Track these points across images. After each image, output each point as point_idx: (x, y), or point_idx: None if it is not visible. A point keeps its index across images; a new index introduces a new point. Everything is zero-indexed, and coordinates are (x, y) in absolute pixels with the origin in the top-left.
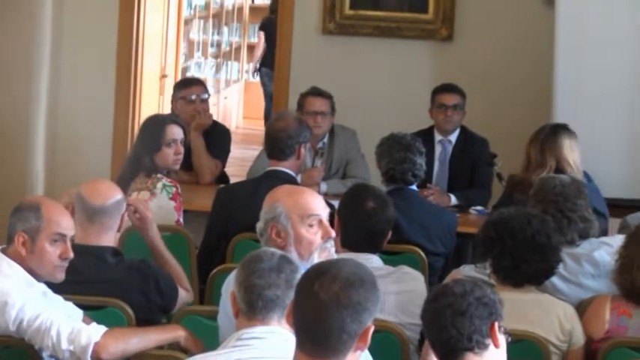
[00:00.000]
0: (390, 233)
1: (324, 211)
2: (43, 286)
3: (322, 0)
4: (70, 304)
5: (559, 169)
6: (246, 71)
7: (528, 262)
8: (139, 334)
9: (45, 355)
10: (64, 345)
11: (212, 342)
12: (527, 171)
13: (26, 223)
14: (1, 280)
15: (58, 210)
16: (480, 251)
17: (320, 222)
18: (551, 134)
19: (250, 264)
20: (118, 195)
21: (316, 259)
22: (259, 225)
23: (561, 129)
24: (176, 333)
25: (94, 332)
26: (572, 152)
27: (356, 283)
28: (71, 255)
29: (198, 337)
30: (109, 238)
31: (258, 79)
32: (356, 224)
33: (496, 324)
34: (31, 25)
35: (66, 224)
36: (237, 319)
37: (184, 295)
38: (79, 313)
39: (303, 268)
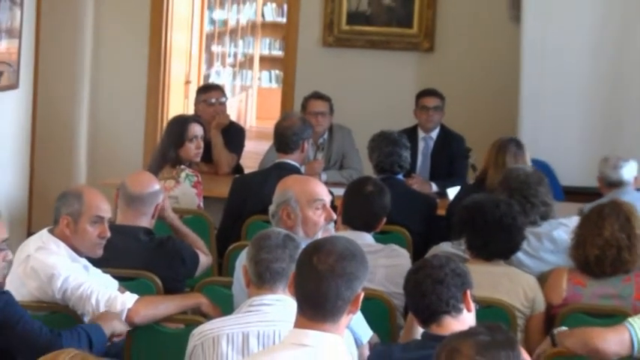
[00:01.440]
0: (384, 220)
1: (327, 197)
2: (84, 261)
3: (323, 17)
4: (107, 276)
5: None
6: (259, 78)
7: (496, 240)
8: (166, 302)
9: (86, 319)
10: (103, 309)
11: (228, 308)
12: (487, 171)
13: (70, 207)
14: (49, 256)
15: (97, 196)
16: (456, 231)
17: (324, 206)
18: (500, 150)
19: (259, 241)
20: (155, 187)
21: (320, 237)
22: (272, 207)
23: (509, 144)
24: (197, 300)
25: (127, 299)
26: (516, 163)
27: (348, 257)
28: (108, 234)
29: (216, 303)
30: (144, 221)
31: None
32: (356, 205)
33: (468, 291)
34: (75, 38)
35: (104, 208)
36: (248, 288)
37: (204, 259)
38: (115, 283)
39: (305, 244)
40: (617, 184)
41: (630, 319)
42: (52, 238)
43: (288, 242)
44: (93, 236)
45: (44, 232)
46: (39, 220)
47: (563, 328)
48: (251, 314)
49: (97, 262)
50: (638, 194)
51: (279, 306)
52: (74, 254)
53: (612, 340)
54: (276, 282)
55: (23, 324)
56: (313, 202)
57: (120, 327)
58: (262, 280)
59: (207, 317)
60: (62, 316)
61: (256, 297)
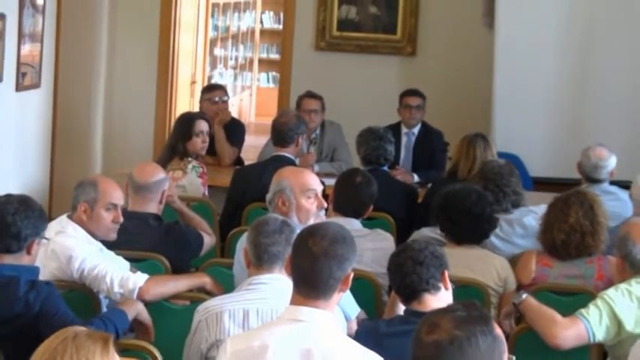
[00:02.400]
0: (371, 207)
1: (319, 187)
2: (99, 244)
3: (315, 24)
4: (120, 258)
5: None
6: (257, 79)
7: (465, 227)
8: (174, 281)
9: (101, 297)
10: (116, 289)
11: (229, 286)
12: (458, 164)
13: (87, 195)
14: (67, 239)
15: (111, 185)
16: (433, 217)
17: (316, 195)
18: (469, 145)
19: (258, 227)
20: (160, 175)
21: (312, 223)
22: (269, 196)
23: (477, 139)
24: (202, 279)
25: (139, 279)
26: (485, 155)
27: (339, 240)
28: (121, 219)
29: (219, 282)
30: (152, 207)
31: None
32: (345, 194)
33: (446, 272)
34: (92, 42)
35: (117, 196)
36: (248, 269)
37: (208, 239)
38: (127, 264)
39: (299, 229)
40: (596, 181)
41: (584, 311)
42: (71, 223)
43: (284, 227)
44: (107, 221)
45: (63, 217)
46: (59, 206)
47: (524, 295)
48: (250, 292)
49: (111, 245)
50: (614, 188)
51: (276, 284)
52: (90, 238)
53: (569, 337)
54: (273, 263)
55: (61, 314)
56: (306, 191)
57: (141, 311)
58: (261, 261)
59: (211, 295)
60: (80, 294)
61: (255, 276)
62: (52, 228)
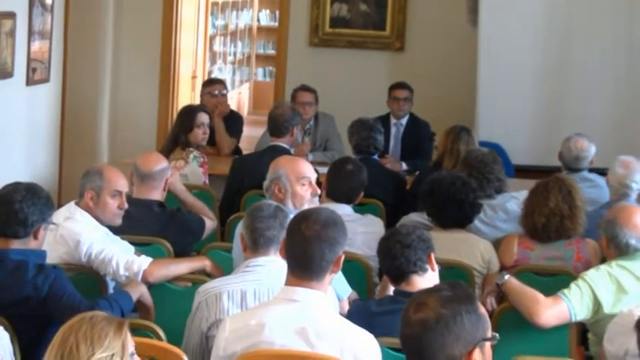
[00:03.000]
0: (362, 194)
1: (312, 175)
2: (105, 229)
3: (309, 21)
4: (125, 242)
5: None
6: (254, 73)
7: (449, 212)
8: (176, 263)
9: (108, 279)
10: (122, 271)
11: (228, 269)
12: (443, 156)
13: (93, 183)
14: (75, 224)
15: (116, 173)
16: (421, 202)
17: (310, 182)
18: (455, 137)
19: (253, 212)
20: (163, 164)
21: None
22: (266, 183)
23: (461, 132)
24: (203, 262)
25: (143, 262)
26: (468, 145)
27: (331, 224)
28: (126, 206)
29: (219, 265)
30: (156, 195)
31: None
32: (338, 181)
33: (432, 254)
34: (98, 39)
35: (122, 183)
36: (245, 252)
37: (209, 223)
38: (132, 248)
39: (293, 215)
40: (576, 170)
41: (566, 292)
42: (78, 210)
43: (278, 213)
44: (113, 207)
45: (71, 204)
46: (67, 194)
47: (507, 276)
48: (248, 274)
49: (117, 230)
50: (592, 175)
51: (272, 266)
52: (97, 223)
53: (551, 315)
54: (268, 247)
55: (68, 296)
56: (301, 178)
57: (144, 293)
58: (257, 245)
59: (211, 277)
60: (87, 276)
61: (252, 259)
62: (61, 214)
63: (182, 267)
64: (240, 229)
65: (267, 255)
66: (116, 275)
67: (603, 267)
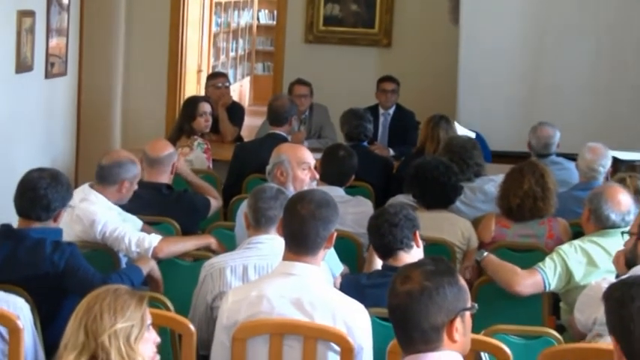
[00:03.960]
0: (352, 177)
1: (312, 161)
2: (118, 208)
3: (304, 20)
4: (134, 217)
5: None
6: (254, 68)
7: (432, 194)
8: (183, 241)
9: (120, 255)
10: (133, 248)
11: (231, 245)
12: (425, 142)
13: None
14: (90, 205)
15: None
16: (407, 185)
17: (310, 168)
18: (434, 125)
19: (257, 194)
20: (170, 150)
21: None
22: (268, 167)
23: (441, 121)
24: (208, 240)
25: (153, 239)
26: (447, 134)
27: (324, 204)
28: (136, 187)
29: (222, 242)
30: (164, 178)
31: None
32: (331, 165)
33: (417, 232)
34: (111, 36)
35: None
36: (248, 230)
37: (214, 202)
38: (140, 222)
39: None
40: (544, 155)
41: (541, 264)
42: (92, 192)
43: (279, 195)
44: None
45: (85, 186)
46: (83, 177)
47: (485, 253)
48: (249, 250)
49: (128, 211)
50: (560, 159)
51: (272, 243)
52: (110, 203)
53: (528, 284)
54: (269, 225)
55: (83, 270)
56: (302, 163)
57: (154, 268)
58: (259, 224)
59: (215, 253)
60: (101, 253)
61: (254, 237)
62: (76, 196)
63: (189, 244)
64: (242, 209)
65: (268, 233)
66: (128, 251)
67: (576, 242)
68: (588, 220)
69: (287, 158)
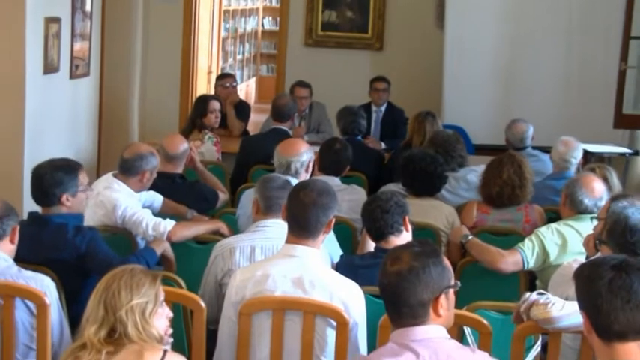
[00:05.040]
0: (348, 168)
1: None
2: (138, 195)
3: (304, 25)
4: (154, 193)
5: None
6: (259, 69)
7: (420, 183)
8: (196, 225)
9: (138, 238)
10: (150, 231)
11: (235, 229)
12: (413, 136)
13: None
14: (113, 192)
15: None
16: (397, 175)
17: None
18: (422, 121)
19: (267, 183)
20: (185, 146)
21: None
22: (295, 164)
23: (427, 116)
24: (217, 225)
25: (168, 224)
26: (432, 129)
27: (325, 193)
28: (155, 176)
29: (229, 226)
30: (178, 169)
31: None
32: (328, 157)
33: (407, 217)
34: (130, 40)
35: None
36: (256, 215)
37: (222, 196)
38: (160, 197)
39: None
40: (521, 148)
41: (521, 244)
42: (115, 180)
43: (286, 185)
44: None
45: (109, 175)
46: (105, 168)
47: (470, 236)
48: (257, 233)
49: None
50: (535, 151)
51: (277, 227)
52: (131, 191)
53: (510, 262)
54: (276, 212)
55: (103, 252)
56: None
57: (167, 249)
58: (270, 210)
59: (224, 236)
60: (120, 236)
61: (261, 221)
62: (101, 184)
63: (200, 228)
64: (247, 196)
65: (275, 218)
66: (145, 234)
67: (553, 225)
68: (564, 204)
69: (310, 158)
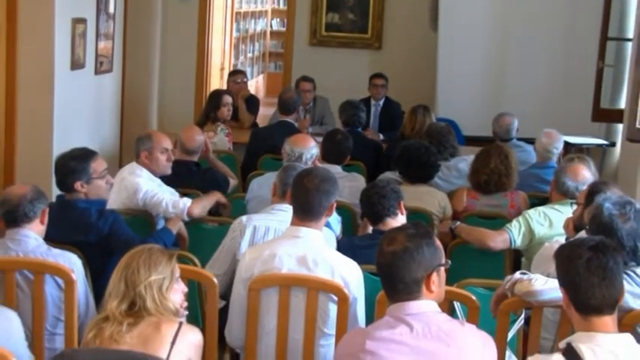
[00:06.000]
0: (348, 157)
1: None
2: (159, 180)
3: (309, 26)
4: (172, 190)
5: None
6: (268, 66)
7: (415, 171)
8: (203, 200)
9: (159, 218)
10: (170, 209)
11: (244, 212)
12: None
13: (145, 145)
14: (135, 177)
15: (161, 135)
16: (394, 163)
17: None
18: (417, 114)
19: (288, 170)
20: (201, 138)
21: None
22: (306, 155)
23: (422, 110)
24: (216, 195)
25: (186, 202)
26: (426, 121)
27: (327, 179)
28: (173, 158)
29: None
30: (194, 158)
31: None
32: (330, 147)
33: (401, 202)
34: (150, 39)
35: (167, 142)
36: (273, 197)
37: (232, 181)
38: (176, 193)
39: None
40: (507, 139)
41: (509, 225)
42: (137, 166)
43: None
44: (163, 161)
45: (133, 163)
46: (126, 157)
47: (458, 222)
48: (272, 214)
49: (165, 182)
50: (520, 142)
51: (290, 212)
52: (152, 176)
53: (498, 240)
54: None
55: (124, 234)
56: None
57: (181, 227)
58: (284, 194)
59: (224, 206)
60: (140, 218)
61: (277, 204)
62: (125, 170)
63: (208, 202)
64: (256, 182)
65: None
66: (166, 213)
67: (540, 208)
68: (553, 189)
69: (317, 152)
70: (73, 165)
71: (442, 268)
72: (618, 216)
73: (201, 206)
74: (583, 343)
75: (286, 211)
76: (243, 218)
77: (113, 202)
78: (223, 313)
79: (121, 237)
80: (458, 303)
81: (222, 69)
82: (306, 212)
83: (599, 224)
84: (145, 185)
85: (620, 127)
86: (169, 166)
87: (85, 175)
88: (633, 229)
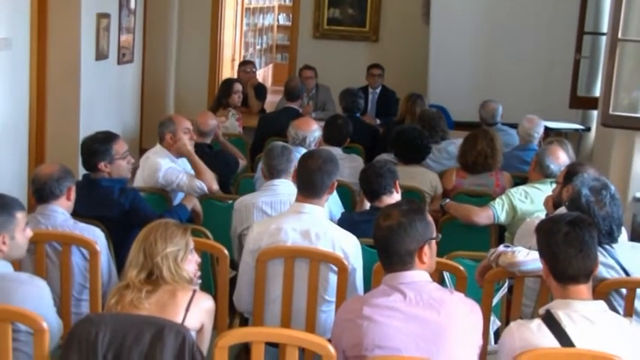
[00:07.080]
0: (348, 140)
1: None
2: (178, 161)
3: (313, 20)
4: (189, 168)
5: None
6: (275, 57)
7: (410, 152)
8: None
9: (173, 195)
10: (197, 184)
11: (252, 190)
12: (403, 114)
13: (169, 128)
14: (157, 158)
15: (182, 118)
16: (389, 146)
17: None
18: (411, 101)
19: (268, 153)
20: (214, 122)
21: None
22: (309, 138)
23: (415, 98)
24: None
25: (209, 176)
26: (420, 108)
27: (329, 160)
28: (195, 137)
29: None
30: (207, 140)
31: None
32: (331, 130)
33: (397, 181)
34: (167, 33)
35: (188, 123)
36: (264, 179)
37: (241, 162)
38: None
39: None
40: (492, 124)
41: (492, 202)
42: (161, 148)
43: (284, 151)
44: (186, 140)
45: (157, 145)
46: (147, 140)
47: (447, 200)
48: (267, 191)
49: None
50: (504, 127)
51: (283, 185)
52: (174, 158)
53: (483, 216)
54: (279, 175)
55: (143, 209)
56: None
57: (196, 203)
58: (271, 174)
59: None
60: (157, 196)
61: (269, 182)
62: (151, 151)
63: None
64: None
65: (281, 179)
66: (187, 188)
67: (522, 187)
68: (534, 169)
69: (319, 134)
70: (96, 147)
71: (433, 241)
72: (595, 202)
73: (214, 182)
74: (561, 310)
75: (279, 185)
76: (245, 198)
77: (140, 177)
78: (233, 281)
79: (141, 212)
80: (447, 273)
81: (233, 60)
82: (309, 190)
83: (577, 210)
84: (165, 164)
85: (595, 113)
86: (192, 144)
87: (108, 156)
88: (609, 214)
